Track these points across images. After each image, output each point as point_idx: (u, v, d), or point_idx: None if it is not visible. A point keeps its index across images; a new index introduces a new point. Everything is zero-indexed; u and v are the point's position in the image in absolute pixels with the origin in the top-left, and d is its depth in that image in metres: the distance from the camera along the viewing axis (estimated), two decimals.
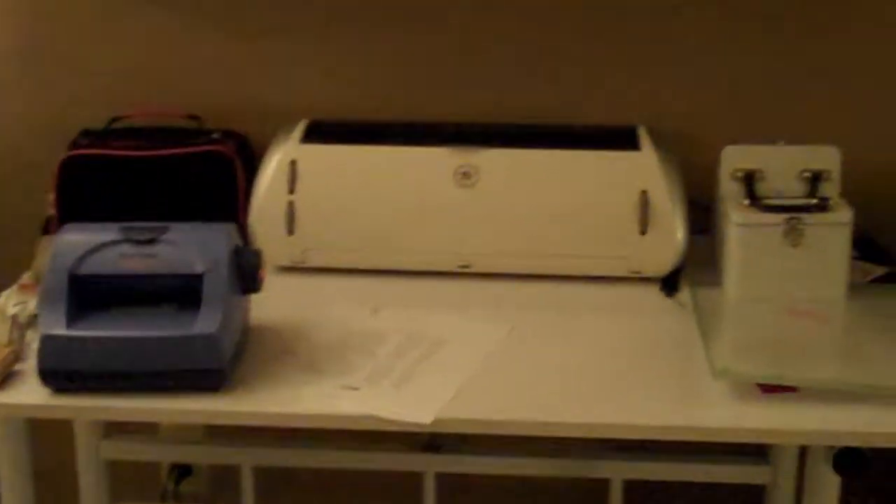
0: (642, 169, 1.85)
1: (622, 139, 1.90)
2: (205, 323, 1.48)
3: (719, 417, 1.47)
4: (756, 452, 2.15)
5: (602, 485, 2.17)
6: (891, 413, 1.46)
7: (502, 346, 1.65)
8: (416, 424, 1.44)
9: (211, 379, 1.49)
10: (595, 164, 1.86)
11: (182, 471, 2.39)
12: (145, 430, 2.29)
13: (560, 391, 1.53)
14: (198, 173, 2.01)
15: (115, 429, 2.21)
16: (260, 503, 2.22)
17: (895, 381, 1.53)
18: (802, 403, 1.48)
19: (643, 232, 1.83)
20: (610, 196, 1.84)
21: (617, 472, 2.15)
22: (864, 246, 1.97)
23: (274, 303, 1.70)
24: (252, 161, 2.02)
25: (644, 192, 1.83)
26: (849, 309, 1.77)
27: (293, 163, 1.88)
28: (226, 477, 2.35)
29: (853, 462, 1.47)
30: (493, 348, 1.64)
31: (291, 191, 1.87)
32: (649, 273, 1.85)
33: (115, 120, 2.06)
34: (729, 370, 1.53)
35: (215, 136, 2.03)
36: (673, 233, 1.83)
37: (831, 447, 1.50)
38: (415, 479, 2.17)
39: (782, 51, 2.07)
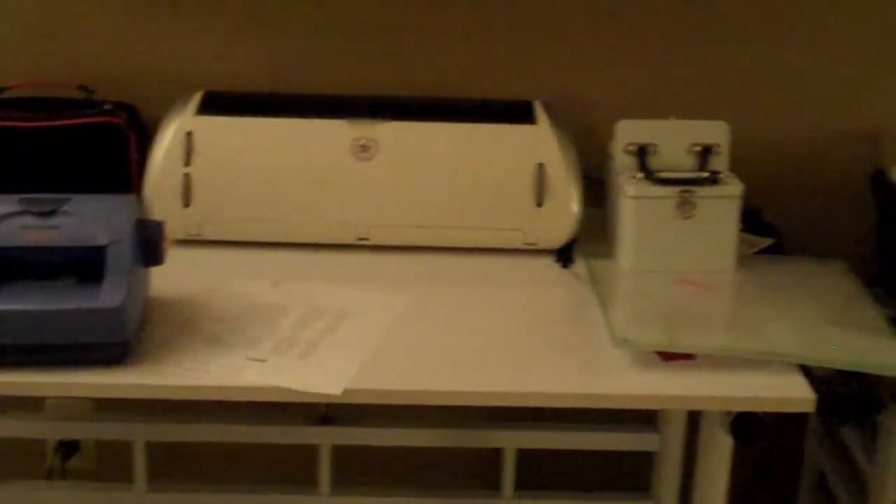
0: (538, 142, 1.87)
1: (518, 113, 1.92)
2: (109, 295, 1.46)
3: (621, 385, 1.50)
4: (645, 420, 2.20)
5: (495, 454, 2.20)
6: (783, 378, 1.51)
7: (403, 317, 1.66)
8: (327, 395, 1.45)
9: (115, 352, 1.47)
10: (492, 137, 1.88)
11: (69, 448, 2.36)
12: (31, 406, 2.25)
13: (463, 361, 1.55)
14: (88, 145, 1.98)
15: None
16: (151, 479, 2.20)
17: (786, 348, 1.58)
18: (700, 370, 1.53)
19: (539, 204, 1.86)
20: (506, 169, 1.86)
21: (509, 441, 2.18)
22: (750, 219, 2.03)
23: (172, 276, 1.68)
24: (144, 133, 2.00)
25: (540, 166, 1.85)
26: (738, 279, 1.82)
27: (189, 134, 1.86)
28: (114, 453, 2.33)
29: (750, 427, 1.52)
30: (394, 320, 1.65)
31: (187, 163, 1.85)
32: (545, 245, 1.88)
33: (2, 90, 2.01)
34: (630, 339, 1.57)
35: (106, 107, 2.00)
36: (568, 205, 1.86)
37: (727, 413, 1.55)
38: (309, 452, 2.18)
39: (672, 27, 2.11)
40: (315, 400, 1.44)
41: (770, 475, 2.38)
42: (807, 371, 1.53)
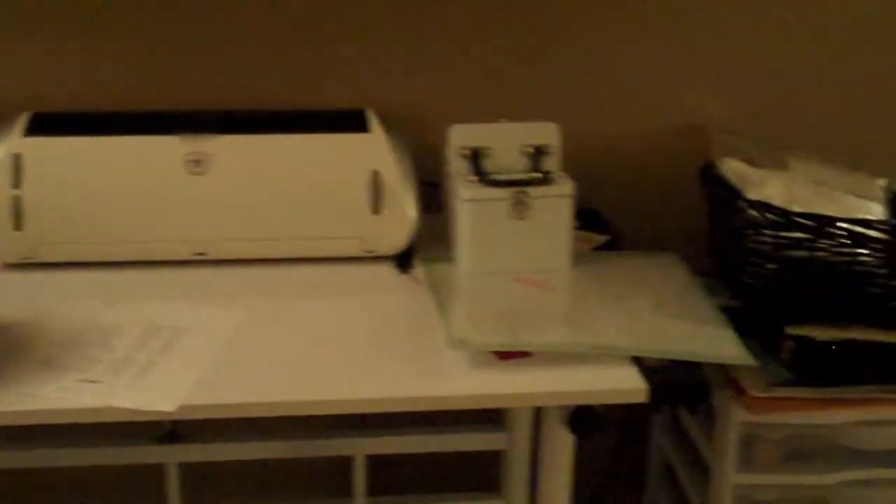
0: (372, 150, 1.88)
1: (351, 122, 1.93)
2: None
3: (460, 386, 1.52)
4: (492, 420, 2.23)
5: (346, 462, 2.21)
6: (616, 371, 1.55)
7: (242, 331, 1.65)
8: (160, 413, 1.44)
9: None
10: (326, 147, 1.89)
11: None
12: None
13: (302, 371, 1.55)
14: None
15: None
16: None
17: (619, 341, 1.62)
18: (536, 367, 1.55)
19: (376, 212, 1.87)
20: (342, 178, 1.87)
21: (358, 448, 2.19)
22: (586, 217, 2.07)
23: (4, 300, 1.66)
24: None
25: (375, 173, 1.86)
26: (574, 276, 1.85)
27: (17, 157, 1.83)
28: None
29: (586, 420, 1.55)
30: (233, 334, 1.64)
31: (16, 185, 1.82)
32: (384, 252, 1.89)
33: None
34: (465, 340, 1.59)
35: None
36: (405, 211, 1.88)
37: (564, 407, 1.57)
38: (158, 471, 2.16)
39: (500, 31, 2.14)
40: (149, 418, 1.43)
41: (620, 468, 2.42)
42: (640, 362, 1.57)
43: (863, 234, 1.81)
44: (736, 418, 1.89)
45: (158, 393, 1.46)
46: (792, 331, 1.86)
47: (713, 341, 1.67)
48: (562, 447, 1.68)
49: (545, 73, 2.16)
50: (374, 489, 2.25)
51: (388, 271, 1.88)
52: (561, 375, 1.54)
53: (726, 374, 1.91)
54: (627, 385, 1.52)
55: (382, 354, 1.60)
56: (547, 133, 1.89)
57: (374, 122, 1.92)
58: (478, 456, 2.28)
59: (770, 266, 1.85)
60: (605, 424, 1.55)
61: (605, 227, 2.07)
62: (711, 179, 2.04)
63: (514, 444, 2.20)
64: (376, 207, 1.87)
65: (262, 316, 1.70)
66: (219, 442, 2.15)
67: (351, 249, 1.89)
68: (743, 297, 1.92)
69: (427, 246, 1.92)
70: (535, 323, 1.71)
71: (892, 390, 1.89)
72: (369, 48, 2.12)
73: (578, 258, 1.89)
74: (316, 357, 1.59)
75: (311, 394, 1.50)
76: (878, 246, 1.81)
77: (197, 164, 1.85)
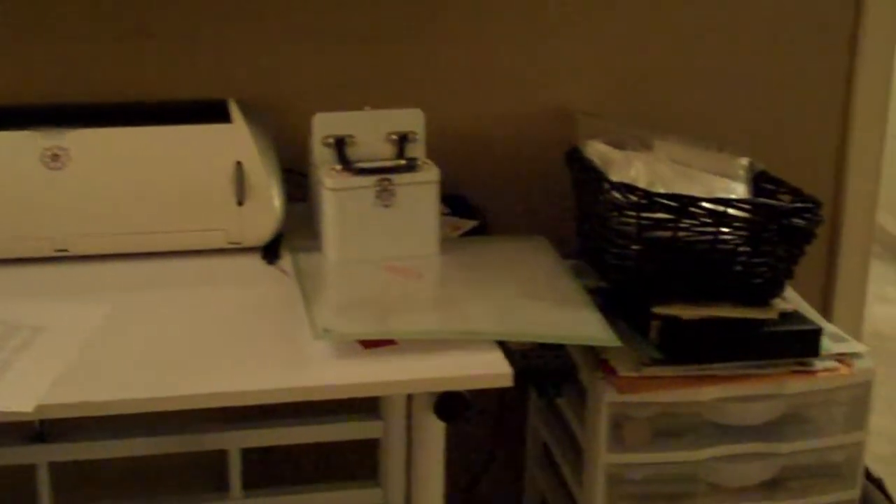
0: (235, 141, 1.86)
1: (213, 113, 1.90)
2: None
3: (324, 376, 1.51)
4: (369, 409, 2.22)
5: (221, 456, 2.19)
6: (482, 356, 1.56)
7: (104, 327, 1.63)
8: (18, 413, 1.41)
9: None
10: (187, 138, 1.86)
11: None
12: None
13: (167, 366, 1.53)
14: None
15: None
16: None
17: (485, 326, 1.62)
18: (403, 355, 1.56)
19: (240, 203, 1.85)
20: (205, 169, 1.85)
21: (232, 441, 2.17)
22: (455, 203, 2.07)
23: None
24: None
25: (238, 164, 1.84)
26: (442, 262, 1.86)
27: None
28: None
29: (453, 406, 1.55)
30: (94, 330, 1.61)
31: None
32: (250, 243, 1.88)
33: None
34: (330, 330, 1.58)
35: None
36: (270, 202, 1.86)
37: (434, 394, 1.58)
38: (27, 472, 2.12)
39: (364, 21, 2.13)
40: (5, 419, 1.40)
41: (497, 451, 2.43)
42: (507, 346, 1.57)
43: (725, 214, 1.84)
44: (606, 399, 1.90)
45: (15, 393, 1.43)
46: (659, 310, 1.88)
47: (579, 323, 1.68)
48: (433, 433, 1.67)
49: (409, 59, 2.16)
50: (250, 482, 2.23)
51: (254, 262, 1.86)
52: (428, 362, 1.54)
53: (596, 356, 1.92)
54: (492, 370, 1.53)
55: (249, 347, 1.59)
56: (412, 120, 1.89)
57: (235, 111, 1.90)
58: (355, 445, 2.28)
59: (635, 247, 1.87)
60: (472, 409, 1.55)
61: (472, 212, 2.08)
62: (576, 162, 2.05)
63: (390, 432, 2.19)
64: (240, 198, 1.85)
65: (126, 312, 1.68)
66: (89, 440, 2.12)
67: (216, 241, 1.87)
68: (610, 279, 1.94)
69: (294, 235, 1.91)
70: (403, 310, 1.70)
71: (757, 366, 1.92)
72: (231, 37, 2.10)
73: (446, 244, 1.89)
74: (182, 352, 1.57)
75: (176, 389, 1.49)
76: (739, 224, 1.84)
77: (54, 158, 1.81)
